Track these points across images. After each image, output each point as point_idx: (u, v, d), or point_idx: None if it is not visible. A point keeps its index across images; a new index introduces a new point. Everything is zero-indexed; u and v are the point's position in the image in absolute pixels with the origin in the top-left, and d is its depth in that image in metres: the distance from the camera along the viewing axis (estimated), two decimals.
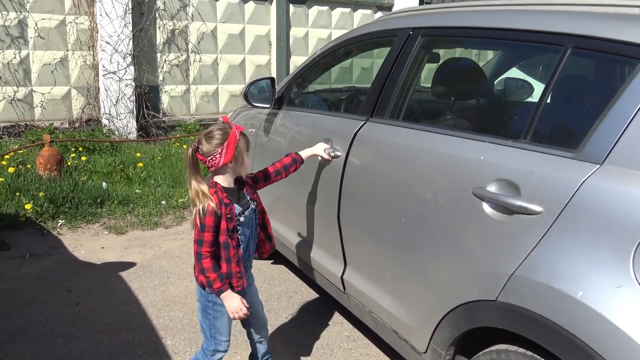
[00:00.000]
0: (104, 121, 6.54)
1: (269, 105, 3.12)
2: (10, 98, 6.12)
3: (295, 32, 8.02)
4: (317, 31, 8.24)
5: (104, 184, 4.99)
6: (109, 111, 6.52)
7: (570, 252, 1.40)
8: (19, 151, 5.35)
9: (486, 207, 1.63)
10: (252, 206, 2.05)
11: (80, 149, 5.74)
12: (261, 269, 3.59)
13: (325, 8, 8.25)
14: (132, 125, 6.67)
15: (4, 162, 5.01)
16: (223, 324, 2.05)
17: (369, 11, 8.71)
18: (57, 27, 6.28)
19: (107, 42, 6.36)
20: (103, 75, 6.43)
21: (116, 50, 6.43)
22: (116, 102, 6.52)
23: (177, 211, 4.66)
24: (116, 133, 6.54)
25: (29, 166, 5.00)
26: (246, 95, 3.09)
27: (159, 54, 6.97)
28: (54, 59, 6.30)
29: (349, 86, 6.68)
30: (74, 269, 3.51)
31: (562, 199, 1.43)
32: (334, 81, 7.68)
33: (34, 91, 6.26)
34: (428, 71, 2.49)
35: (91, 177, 5.12)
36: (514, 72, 2.83)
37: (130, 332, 2.76)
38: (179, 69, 7.15)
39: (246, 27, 7.59)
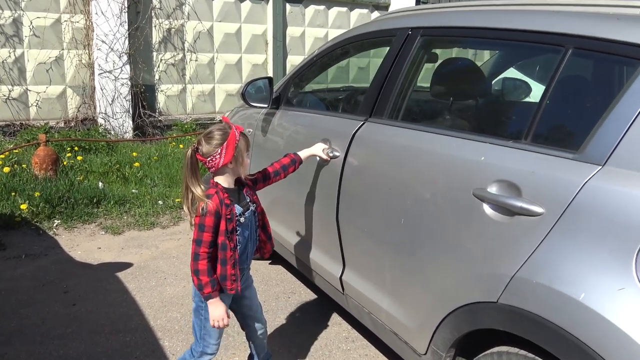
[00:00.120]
0: (100, 120, 6.51)
1: (266, 105, 3.10)
2: (5, 97, 6.08)
3: (292, 31, 8.01)
4: (313, 30, 8.22)
5: (100, 183, 4.97)
6: (105, 110, 6.49)
7: (572, 254, 1.39)
8: (14, 151, 5.31)
9: (487, 208, 1.63)
10: (252, 208, 2.04)
11: (76, 148, 5.71)
12: (259, 269, 3.57)
13: (322, 7, 8.23)
14: (128, 124, 6.64)
15: None
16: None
17: (365, 10, 8.70)
18: (52, 26, 6.24)
19: (102, 41, 6.33)
20: (99, 74, 6.39)
21: (112, 49, 6.39)
22: (112, 101, 6.49)
23: (174, 211, 4.64)
24: (112, 132, 6.51)
25: (24, 166, 4.97)
26: (244, 95, 3.08)
27: (155, 53, 6.94)
28: (49, 57, 6.27)
29: (347, 86, 6.68)
30: (70, 269, 3.49)
31: (563, 200, 1.43)
32: (331, 81, 7.66)
33: (29, 90, 6.22)
34: (425, 71, 2.48)
35: (87, 176, 5.10)
36: (511, 72, 2.83)
37: (127, 334, 2.74)
38: (175, 68, 7.13)
39: (242, 26, 7.57)
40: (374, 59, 8.52)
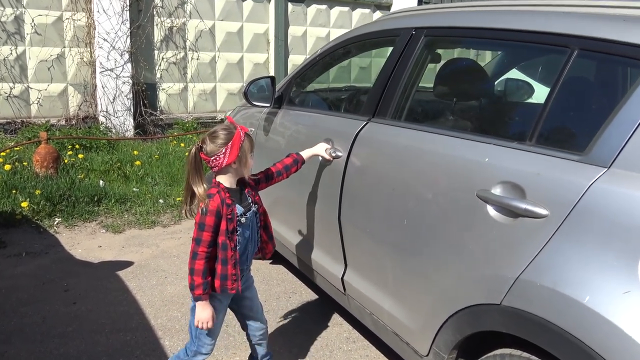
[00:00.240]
0: (101, 119, 6.51)
1: (268, 105, 3.09)
2: (7, 95, 6.08)
3: (294, 30, 8.00)
4: (315, 30, 8.21)
5: (101, 182, 4.96)
6: (106, 109, 6.48)
7: (577, 256, 1.39)
8: (16, 148, 5.31)
9: (490, 210, 1.62)
10: (254, 208, 2.03)
11: (77, 146, 5.70)
12: (260, 269, 3.57)
13: (324, 7, 8.22)
14: (130, 123, 6.64)
15: (0, 160, 4.97)
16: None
17: (367, 10, 8.69)
18: (54, 24, 6.24)
19: (104, 39, 6.32)
20: (100, 73, 6.39)
21: (113, 47, 6.39)
22: (113, 99, 6.49)
23: (174, 210, 4.64)
24: (113, 131, 6.50)
25: (25, 164, 4.96)
26: (246, 94, 3.07)
27: (156, 52, 6.94)
28: (51, 55, 6.26)
29: (349, 86, 6.67)
30: (70, 267, 3.48)
31: (568, 202, 1.42)
32: (332, 80, 7.66)
33: (31, 88, 6.22)
34: (428, 71, 2.47)
35: (88, 175, 5.09)
36: (513, 73, 2.82)
37: (127, 333, 2.73)
38: (177, 67, 7.12)
39: (244, 25, 7.56)
40: (375, 59, 8.52)
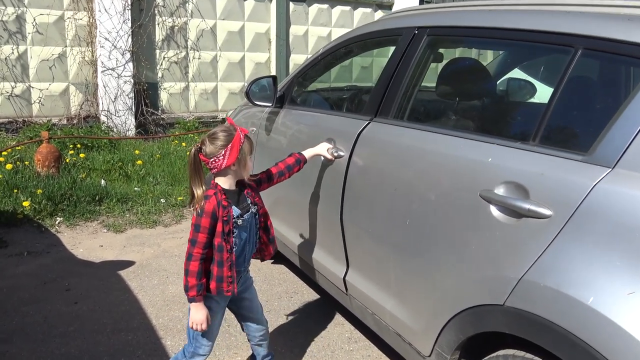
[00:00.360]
0: (103, 118, 6.51)
1: (270, 104, 3.09)
2: (8, 94, 6.08)
3: (295, 30, 7.99)
4: (317, 29, 8.21)
5: (103, 181, 4.96)
6: (108, 108, 6.48)
7: (581, 257, 1.38)
8: (17, 148, 5.31)
9: (494, 210, 1.61)
10: (253, 210, 2.02)
11: (79, 146, 5.70)
12: (261, 268, 3.56)
13: (325, 6, 8.22)
14: (131, 122, 6.64)
15: (1, 159, 4.97)
16: (208, 327, 2.01)
17: (369, 9, 8.68)
18: (55, 23, 6.24)
19: (105, 39, 6.33)
20: (102, 72, 6.39)
21: (115, 47, 6.39)
22: (115, 98, 6.49)
23: (176, 209, 4.64)
24: (114, 130, 6.50)
25: (26, 163, 4.97)
26: (248, 94, 3.06)
27: (158, 51, 6.94)
28: (52, 54, 6.26)
29: (351, 85, 6.66)
30: (72, 267, 3.48)
31: (572, 202, 1.41)
32: (334, 80, 7.65)
33: (32, 87, 6.22)
34: (430, 71, 2.46)
35: (89, 174, 5.09)
36: (515, 73, 2.81)
37: (129, 332, 2.73)
38: (178, 66, 7.12)
39: (246, 25, 7.56)
40: (377, 59, 8.50)
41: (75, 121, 6.44)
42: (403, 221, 1.98)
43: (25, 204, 4.21)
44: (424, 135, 2.01)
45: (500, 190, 1.60)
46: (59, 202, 4.36)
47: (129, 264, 3.57)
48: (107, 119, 6.49)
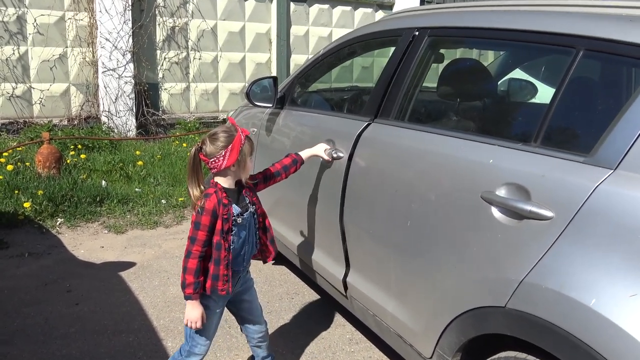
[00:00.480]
0: (103, 119, 6.51)
1: (271, 105, 3.09)
2: (9, 95, 6.08)
3: (296, 30, 7.99)
4: (317, 29, 8.20)
5: (104, 182, 4.96)
6: (108, 109, 6.48)
7: (583, 259, 1.37)
8: (18, 148, 5.31)
9: (495, 212, 1.60)
10: (251, 209, 2.02)
11: (80, 146, 5.70)
12: (262, 269, 3.56)
13: (326, 6, 8.21)
14: (132, 123, 6.64)
15: (2, 160, 4.97)
16: (206, 327, 2.01)
17: (369, 10, 8.68)
18: (56, 23, 6.24)
19: (106, 39, 6.33)
20: (102, 72, 6.39)
21: (116, 47, 6.39)
22: (115, 99, 6.49)
23: (177, 210, 4.63)
24: (115, 131, 6.50)
25: (27, 164, 4.97)
26: (248, 95, 3.06)
27: (158, 51, 6.93)
28: (53, 55, 6.26)
29: (352, 86, 6.65)
30: (73, 268, 3.48)
31: (574, 204, 1.41)
32: (334, 80, 7.64)
33: (33, 88, 6.22)
34: (430, 72, 2.46)
35: (90, 175, 5.09)
36: (516, 73, 2.81)
37: (130, 334, 2.73)
38: (179, 67, 7.12)
39: (246, 25, 7.55)
40: (378, 59, 8.49)
41: (76, 122, 6.44)
42: (404, 222, 1.97)
43: (26, 205, 4.21)
44: (424, 137, 2.01)
45: (501, 192, 1.59)
46: (60, 203, 4.36)
47: (129, 265, 3.56)
48: (108, 119, 6.49)
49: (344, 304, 2.55)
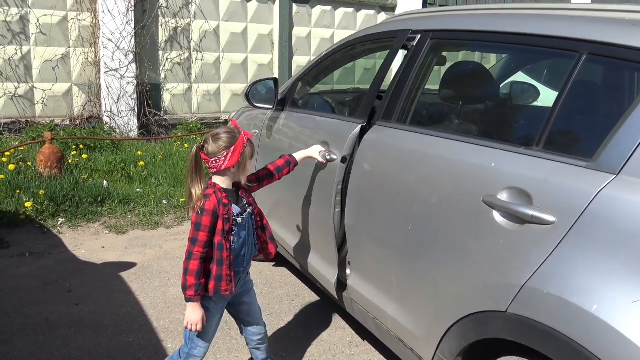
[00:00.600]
0: (105, 119, 6.51)
1: (271, 106, 3.09)
2: (11, 94, 6.09)
3: (298, 31, 7.99)
4: (320, 31, 8.20)
5: (105, 182, 4.96)
6: (111, 109, 6.49)
7: (584, 264, 1.37)
8: (20, 148, 5.31)
9: (497, 216, 1.60)
10: (249, 210, 2.02)
11: (81, 146, 5.71)
12: (263, 271, 3.55)
13: (329, 8, 8.21)
14: (134, 123, 6.64)
15: (4, 159, 4.98)
16: (205, 329, 2.01)
17: (372, 11, 8.68)
18: (59, 24, 6.24)
19: (109, 39, 6.33)
20: (105, 73, 6.40)
21: (118, 48, 6.39)
22: (117, 99, 6.49)
23: (178, 211, 4.63)
24: (117, 131, 6.51)
25: (29, 163, 4.97)
26: (248, 96, 3.06)
27: (161, 52, 6.94)
28: (56, 55, 6.27)
29: (354, 88, 6.65)
30: (74, 268, 3.48)
31: (576, 209, 1.40)
32: (336, 82, 7.64)
33: (35, 88, 6.23)
34: (433, 74, 2.46)
35: (92, 175, 5.09)
36: (519, 76, 2.80)
37: (130, 334, 2.72)
38: (181, 67, 7.12)
39: (249, 26, 7.56)
40: (380, 61, 8.47)
41: (78, 122, 6.45)
42: (405, 226, 1.97)
43: (28, 204, 4.21)
44: (426, 140, 2.01)
45: (503, 196, 1.59)
46: (61, 203, 4.36)
47: (130, 265, 3.56)
48: (110, 119, 6.50)
49: (346, 306, 2.55)
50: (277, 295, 3.25)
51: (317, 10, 8.11)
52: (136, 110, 6.65)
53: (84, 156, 5.37)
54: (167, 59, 6.99)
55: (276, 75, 7.67)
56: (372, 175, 2.23)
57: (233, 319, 2.27)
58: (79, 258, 3.65)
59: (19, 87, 6.11)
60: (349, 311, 2.53)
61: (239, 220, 1.95)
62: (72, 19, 6.30)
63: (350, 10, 8.43)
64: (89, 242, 3.94)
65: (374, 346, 2.72)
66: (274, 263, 3.67)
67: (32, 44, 6.13)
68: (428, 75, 2.27)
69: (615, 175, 1.37)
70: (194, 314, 1.93)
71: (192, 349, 2.05)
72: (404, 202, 2.00)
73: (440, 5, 9.03)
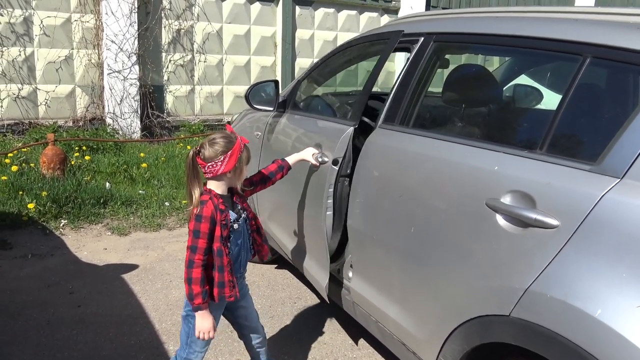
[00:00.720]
0: (108, 120, 6.52)
1: (271, 109, 3.09)
2: (15, 96, 6.10)
3: (301, 33, 8.00)
4: (322, 33, 8.21)
5: (107, 184, 4.97)
6: (113, 110, 6.50)
7: (588, 269, 1.36)
8: (23, 149, 5.32)
9: (500, 219, 1.59)
10: (244, 215, 2.02)
11: (84, 148, 5.72)
12: (265, 274, 3.55)
13: (332, 10, 8.22)
14: (136, 124, 6.65)
15: (7, 161, 4.99)
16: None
17: (375, 14, 8.68)
18: (62, 25, 6.26)
19: (112, 41, 6.34)
20: (108, 74, 6.41)
21: (121, 49, 6.40)
22: (120, 101, 6.50)
23: (180, 213, 4.63)
24: (120, 132, 6.51)
25: (32, 165, 4.98)
26: (248, 98, 3.06)
27: (164, 54, 6.95)
28: (59, 57, 6.29)
29: (357, 90, 6.65)
30: (76, 270, 3.48)
31: (579, 213, 1.39)
32: (339, 84, 7.64)
33: (39, 89, 6.24)
34: (436, 77, 2.45)
35: (94, 177, 5.10)
36: (521, 79, 2.79)
37: (132, 336, 2.72)
38: (184, 69, 7.13)
39: (252, 28, 7.57)
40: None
41: (81, 123, 6.46)
42: (408, 229, 1.96)
43: (30, 206, 4.21)
44: (429, 142, 2.00)
45: (506, 199, 1.58)
46: (64, 205, 4.36)
47: (132, 267, 3.56)
48: (113, 121, 6.51)
49: (347, 309, 2.54)
50: (279, 298, 3.24)
51: (320, 12, 8.12)
52: (139, 112, 6.66)
53: (87, 158, 5.38)
54: (170, 60, 7.01)
55: (279, 78, 7.67)
56: (374, 177, 2.22)
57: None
58: (81, 260, 3.65)
59: (22, 89, 6.13)
60: (351, 314, 2.52)
61: (235, 226, 1.95)
62: (75, 20, 6.32)
63: (353, 12, 8.44)
64: (92, 244, 3.94)
65: (376, 349, 2.72)
66: (276, 265, 3.67)
67: (35, 45, 6.15)
68: (431, 78, 2.26)
69: (619, 179, 1.37)
70: (204, 322, 1.91)
71: (190, 354, 2.04)
72: (406, 204, 1.99)
73: (443, 8, 9.04)
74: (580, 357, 1.32)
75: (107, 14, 6.26)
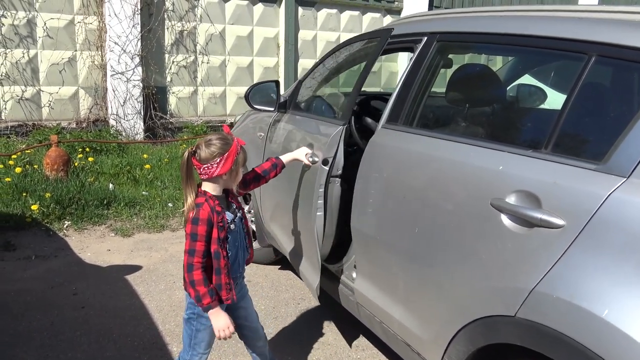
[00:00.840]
0: (111, 122, 6.53)
1: (272, 109, 3.09)
2: (18, 97, 6.12)
3: (304, 34, 8.00)
4: (325, 34, 8.21)
5: (111, 185, 4.97)
6: (117, 112, 6.51)
7: (594, 269, 1.35)
8: (26, 151, 5.33)
9: (505, 219, 1.58)
10: (239, 214, 2.01)
11: (87, 149, 5.72)
12: (268, 274, 3.55)
13: (334, 11, 8.22)
14: (140, 126, 6.66)
15: (11, 162, 5.00)
16: (205, 337, 1.99)
17: (377, 14, 8.67)
18: (65, 27, 6.27)
19: (115, 43, 6.35)
20: (111, 76, 6.42)
21: (124, 51, 6.41)
22: (124, 102, 6.51)
23: (183, 214, 4.63)
24: (123, 134, 6.52)
25: (35, 166, 4.99)
26: (248, 98, 3.05)
27: (167, 55, 6.96)
28: (62, 58, 6.30)
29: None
30: (79, 271, 3.48)
31: (585, 212, 1.38)
32: (342, 85, 7.63)
33: (42, 91, 6.25)
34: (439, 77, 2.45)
35: (98, 178, 5.10)
36: (525, 79, 2.78)
37: (135, 338, 2.72)
38: (187, 70, 7.14)
39: (255, 29, 7.57)
40: (385, 63, 8.48)
41: (84, 125, 6.47)
42: (412, 229, 1.95)
43: (34, 207, 4.22)
44: (433, 142, 1.99)
45: (511, 199, 1.57)
46: (67, 206, 4.37)
47: (136, 268, 3.56)
48: (116, 122, 6.52)
49: (351, 310, 2.53)
50: (283, 299, 3.24)
51: (323, 13, 8.12)
52: (142, 113, 6.66)
53: (90, 159, 5.39)
54: (173, 62, 7.01)
55: (281, 79, 7.68)
56: (377, 178, 2.22)
57: None
58: (85, 261, 3.65)
59: (25, 91, 6.14)
60: (355, 315, 2.51)
61: (232, 227, 1.94)
62: (78, 22, 6.33)
63: (356, 13, 8.43)
64: (95, 245, 3.94)
65: (380, 350, 2.71)
66: (279, 266, 3.66)
67: (39, 47, 6.16)
68: (434, 78, 2.25)
69: (625, 178, 1.36)
70: (219, 320, 1.89)
71: (194, 356, 2.03)
72: (410, 205, 1.99)
73: (445, 8, 9.02)
74: (587, 358, 1.30)
75: (110, 15, 6.28)
